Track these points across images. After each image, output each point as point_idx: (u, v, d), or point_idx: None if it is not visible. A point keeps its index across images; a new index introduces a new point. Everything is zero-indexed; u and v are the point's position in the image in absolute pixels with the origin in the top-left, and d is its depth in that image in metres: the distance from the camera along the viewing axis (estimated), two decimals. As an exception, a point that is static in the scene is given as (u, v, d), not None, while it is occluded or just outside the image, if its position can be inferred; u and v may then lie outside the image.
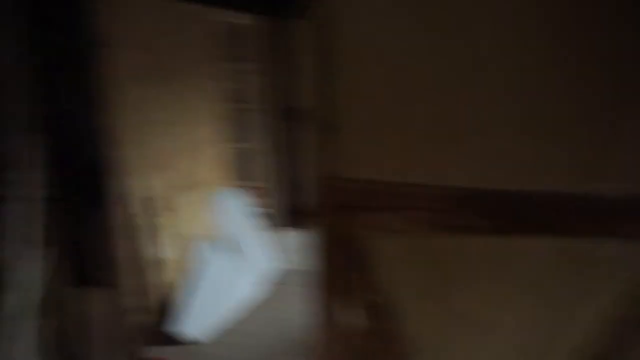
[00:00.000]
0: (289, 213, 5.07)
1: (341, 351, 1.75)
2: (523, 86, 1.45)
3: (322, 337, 1.77)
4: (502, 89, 1.47)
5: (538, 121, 1.46)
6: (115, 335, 2.74)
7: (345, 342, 1.74)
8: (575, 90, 1.43)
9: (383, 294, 1.67)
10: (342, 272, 1.71)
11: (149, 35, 3.12)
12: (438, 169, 1.57)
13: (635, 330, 1.52)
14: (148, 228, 2.98)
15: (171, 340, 3.24)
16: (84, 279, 2.55)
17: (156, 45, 3.18)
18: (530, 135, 1.47)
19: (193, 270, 3.45)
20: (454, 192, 1.54)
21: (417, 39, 1.51)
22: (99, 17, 2.51)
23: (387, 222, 1.62)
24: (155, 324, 3.19)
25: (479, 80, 1.48)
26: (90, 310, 2.66)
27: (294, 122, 5.09)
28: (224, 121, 4.21)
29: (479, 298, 1.60)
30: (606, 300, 1.51)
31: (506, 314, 1.59)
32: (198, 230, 3.59)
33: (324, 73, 1.62)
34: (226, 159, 4.22)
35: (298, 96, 5.03)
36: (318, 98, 1.66)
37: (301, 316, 3.45)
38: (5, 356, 2.67)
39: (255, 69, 4.92)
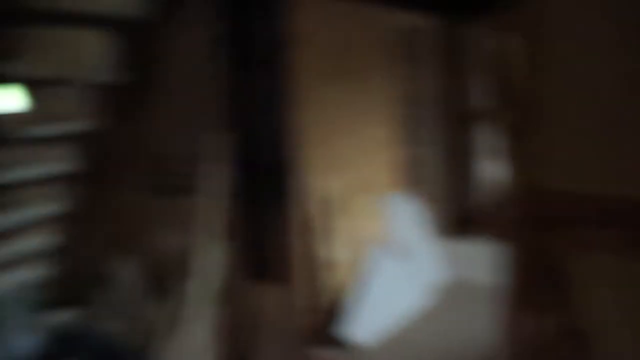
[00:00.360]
0: (462, 221, 4.87)
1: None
2: None
3: (507, 356, 1.62)
4: None
5: None
6: (285, 332, 2.77)
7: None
8: None
9: (581, 318, 1.49)
10: (534, 289, 1.55)
11: (331, 36, 3.14)
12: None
13: None
14: (323, 228, 3.00)
15: (337, 343, 3.23)
16: (260, 274, 2.61)
17: (337, 46, 3.20)
18: None
19: (363, 274, 3.42)
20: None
21: (619, 40, 1.33)
22: (287, 16, 2.56)
23: (592, 239, 1.44)
24: (322, 324, 3.20)
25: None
26: (263, 305, 2.72)
27: (468, 126, 4.90)
28: (399, 124, 4.15)
29: None
30: None
31: None
32: (370, 233, 3.56)
33: (513, 75, 1.48)
34: (400, 163, 4.16)
35: (473, 100, 4.83)
36: (507, 102, 1.53)
37: (470, 330, 3.29)
38: (184, 337, 2.83)
39: (430, 71, 4.81)
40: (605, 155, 1.41)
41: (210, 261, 2.63)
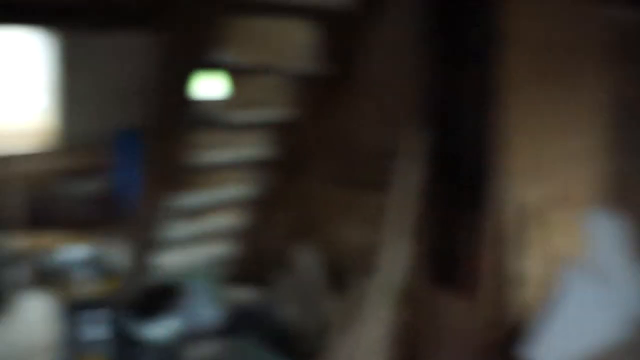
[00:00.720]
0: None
1: None
2: None
3: None
4: None
5: None
6: (464, 344, 2.61)
7: None
8: None
9: None
10: None
11: (542, 32, 2.89)
12: None
13: None
14: (517, 240, 2.79)
15: (517, 364, 3.00)
16: (445, 280, 2.47)
17: (548, 44, 2.94)
18: None
19: (555, 294, 3.13)
20: None
21: None
22: (498, 10, 2.39)
23: None
24: (506, 342, 2.98)
25: None
26: (444, 313, 2.59)
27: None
28: (608, 132, 3.74)
29: None
30: None
31: None
32: (567, 251, 3.25)
33: None
34: (606, 176, 3.75)
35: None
36: None
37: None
38: (358, 335, 2.78)
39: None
40: None
41: (393, 261, 2.55)
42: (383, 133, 2.67)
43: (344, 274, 3.02)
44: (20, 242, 4.34)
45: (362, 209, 2.86)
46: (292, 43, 3.29)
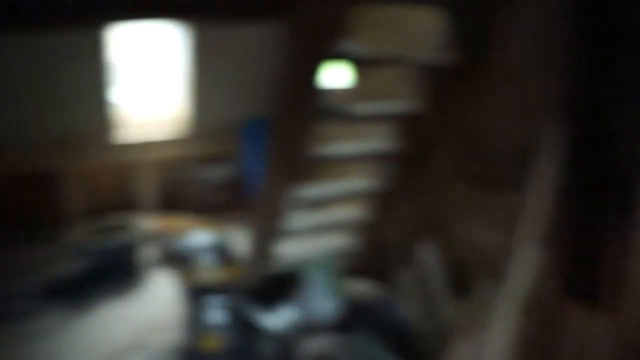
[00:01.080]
0: None
1: None
2: None
3: None
4: None
5: None
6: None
7: None
8: None
9: None
10: None
11: None
12: None
13: None
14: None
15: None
16: (580, 293, 2.24)
17: None
18: None
19: None
20: None
21: None
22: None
23: None
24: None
25: None
26: (579, 330, 2.36)
27: None
28: None
29: None
30: None
31: None
32: None
33: None
34: None
35: None
36: None
37: None
38: (479, 342, 2.63)
39: None
40: None
41: (524, 267, 2.36)
42: (519, 129, 2.48)
43: (468, 276, 2.87)
44: (153, 223, 4.58)
45: (492, 210, 2.68)
46: (421, 32, 3.15)
